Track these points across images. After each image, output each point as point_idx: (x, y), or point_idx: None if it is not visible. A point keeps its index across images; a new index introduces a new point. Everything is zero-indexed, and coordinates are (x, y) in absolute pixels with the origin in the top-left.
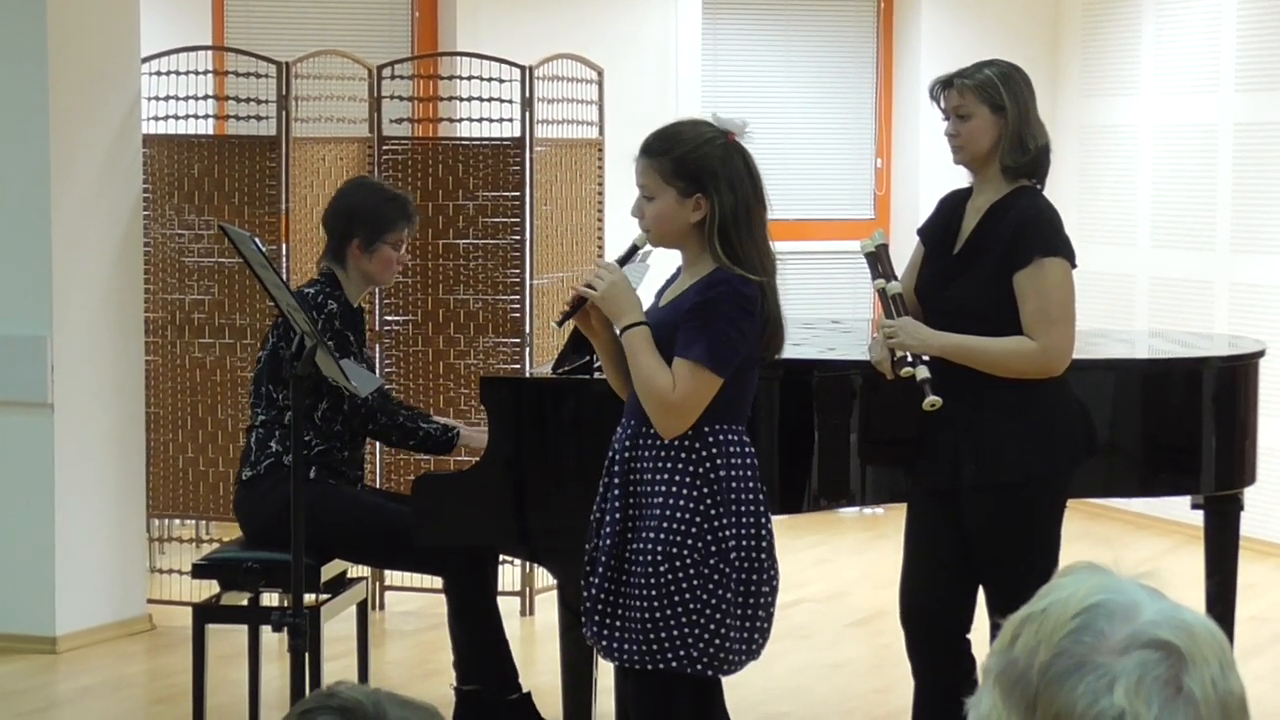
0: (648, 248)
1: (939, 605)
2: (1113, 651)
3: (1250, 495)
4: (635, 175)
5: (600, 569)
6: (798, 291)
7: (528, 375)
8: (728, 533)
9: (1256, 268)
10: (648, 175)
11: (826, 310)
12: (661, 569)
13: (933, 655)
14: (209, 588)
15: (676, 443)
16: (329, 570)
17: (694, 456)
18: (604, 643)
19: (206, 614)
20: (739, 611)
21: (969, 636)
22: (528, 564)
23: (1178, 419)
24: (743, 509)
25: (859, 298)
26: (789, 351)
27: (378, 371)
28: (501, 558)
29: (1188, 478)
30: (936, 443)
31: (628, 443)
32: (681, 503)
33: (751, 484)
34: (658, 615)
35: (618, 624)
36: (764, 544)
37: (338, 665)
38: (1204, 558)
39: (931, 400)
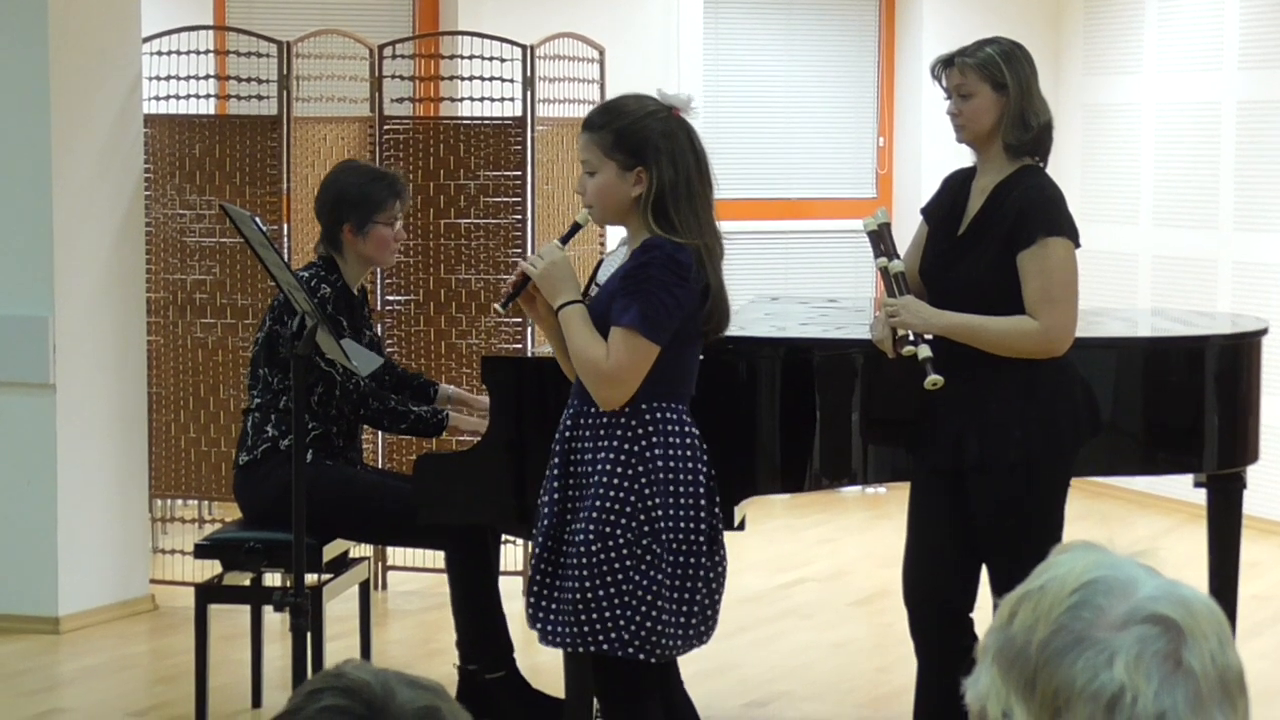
0: (590, 224)
1: (942, 585)
2: (1111, 627)
3: (1253, 473)
4: (579, 150)
5: (539, 550)
6: (799, 270)
7: (529, 354)
8: (660, 512)
9: (1259, 246)
10: (589, 149)
11: (828, 290)
12: (594, 548)
13: (936, 635)
14: (211, 568)
15: (612, 420)
16: (331, 550)
17: (629, 434)
18: (539, 625)
19: (209, 594)
20: (674, 595)
21: (972, 616)
22: (530, 543)
23: (1180, 397)
24: (680, 489)
25: (861, 277)
26: (792, 330)
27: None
28: (504, 538)
29: (1190, 456)
30: (939, 423)
31: (569, 423)
32: (616, 481)
33: (691, 464)
34: (589, 596)
35: (553, 606)
36: (703, 525)
37: (340, 645)
38: (1206, 536)
39: (933, 379)
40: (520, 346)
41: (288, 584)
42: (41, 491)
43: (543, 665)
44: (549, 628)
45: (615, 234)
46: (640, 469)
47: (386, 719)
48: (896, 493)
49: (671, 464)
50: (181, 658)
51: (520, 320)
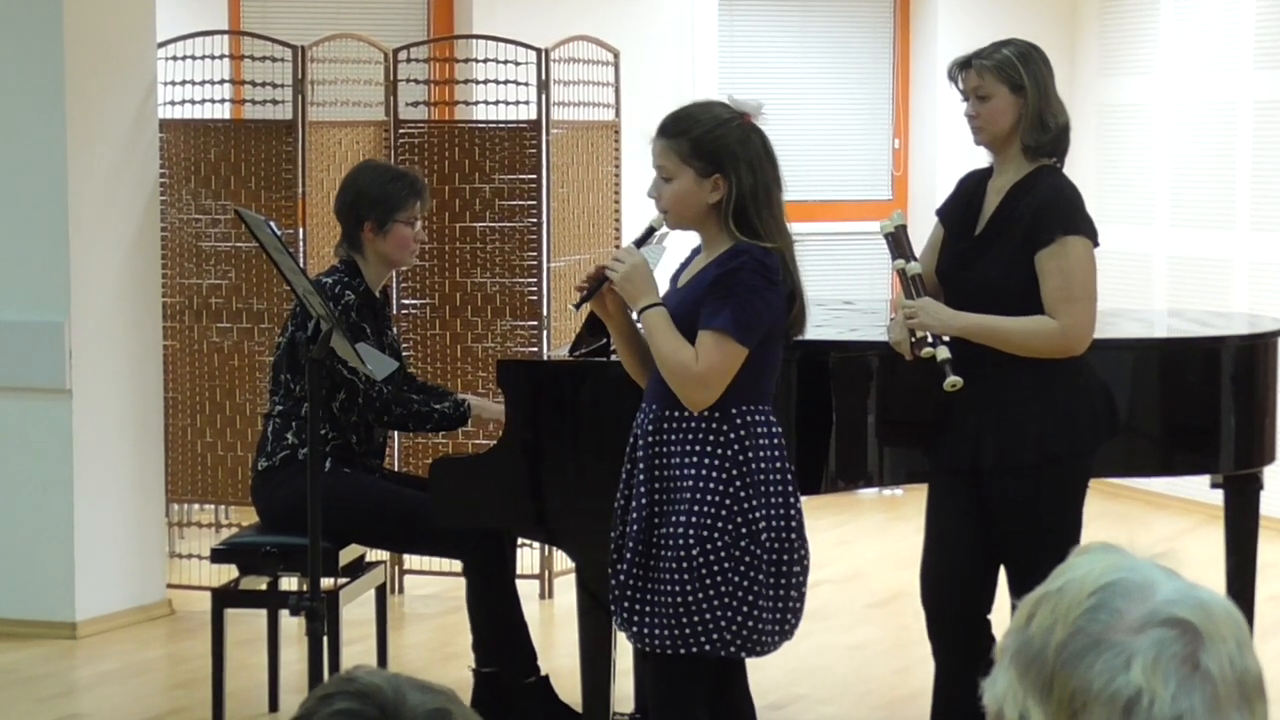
0: (664, 229)
1: (960, 587)
2: (1129, 630)
3: (1270, 474)
4: (652, 157)
5: (628, 554)
6: (815, 273)
7: (545, 358)
8: (758, 514)
9: (1275, 246)
10: (665, 156)
11: (845, 292)
12: (693, 552)
13: (953, 637)
14: (228, 572)
15: (703, 425)
16: (347, 554)
17: (721, 439)
18: (634, 629)
19: (225, 598)
20: (771, 593)
21: (990, 618)
22: (546, 547)
23: (1197, 398)
24: (772, 490)
25: (876, 278)
26: (807, 333)
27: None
28: (520, 541)
29: (1207, 457)
30: (957, 424)
31: (650, 427)
32: (711, 485)
33: (779, 464)
34: (689, 599)
35: (648, 609)
36: (794, 524)
37: (356, 649)
38: (1224, 537)
39: (952, 380)
40: (536, 350)
41: (304, 588)
42: (58, 497)
43: (559, 669)
44: (645, 630)
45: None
46: (735, 472)
47: None
48: (913, 494)
49: (763, 465)
50: (198, 662)
51: (535, 324)
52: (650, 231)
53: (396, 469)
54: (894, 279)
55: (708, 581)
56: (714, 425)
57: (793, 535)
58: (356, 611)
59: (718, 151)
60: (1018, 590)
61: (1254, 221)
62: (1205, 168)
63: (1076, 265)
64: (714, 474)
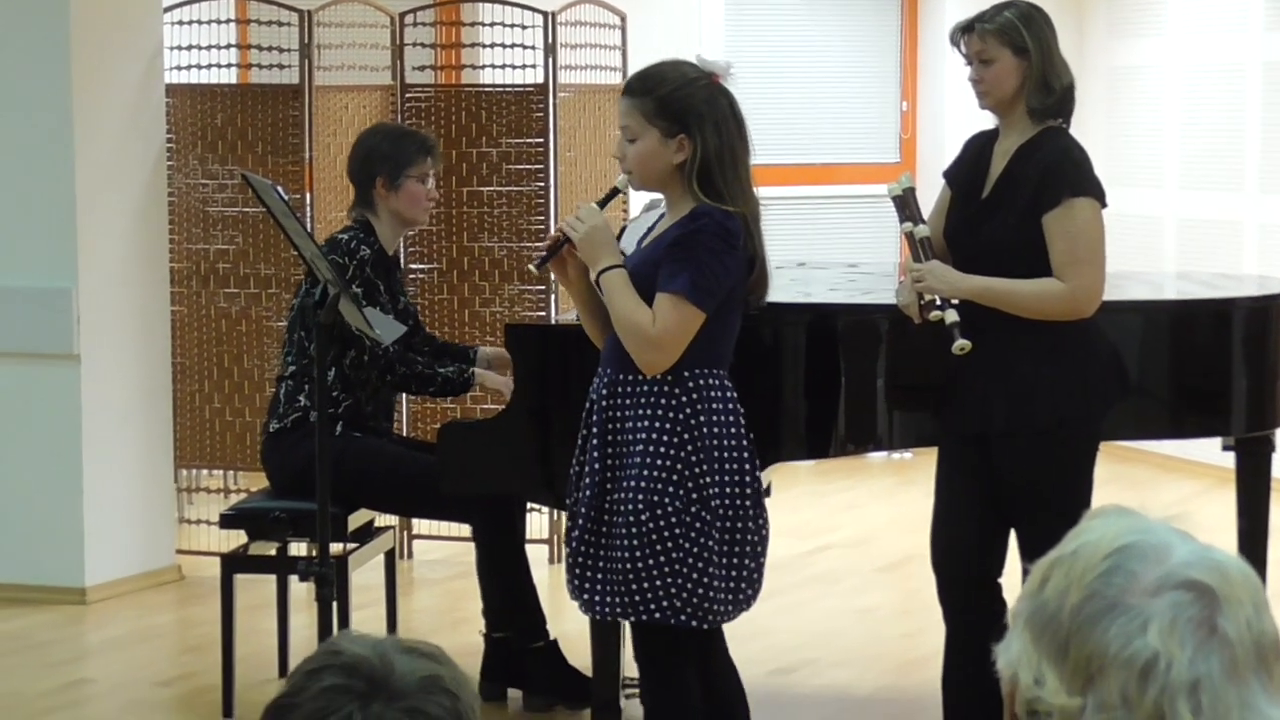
0: (630, 190)
1: (970, 550)
2: (1145, 593)
3: None
4: (619, 116)
5: (580, 520)
6: (823, 235)
7: (553, 322)
8: (709, 479)
9: None
10: (630, 116)
11: (853, 255)
12: (643, 518)
13: (964, 600)
14: (237, 538)
15: (656, 388)
16: (356, 519)
17: (674, 402)
18: (585, 596)
19: (234, 564)
20: (724, 560)
21: (1000, 582)
22: (556, 512)
23: (1207, 360)
24: (726, 455)
25: (885, 241)
26: (816, 296)
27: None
28: (530, 506)
29: (1218, 419)
30: (967, 387)
31: (604, 391)
32: (662, 449)
33: (734, 430)
34: (639, 566)
35: (599, 576)
36: (749, 491)
37: (366, 614)
38: (1235, 500)
39: (961, 344)
40: (544, 314)
41: (313, 553)
42: (67, 463)
43: (568, 633)
44: (595, 598)
45: (637, 200)
46: (686, 436)
47: (388, 692)
48: (922, 458)
49: (716, 430)
50: (207, 628)
51: (544, 287)
52: (615, 192)
53: (405, 434)
54: (903, 242)
55: (658, 548)
56: (666, 389)
57: (748, 503)
58: (366, 576)
59: (684, 111)
60: (1028, 555)
61: (1264, 184)
62: (1215, 130)
63: (1084, 227)
64: (665, 438)
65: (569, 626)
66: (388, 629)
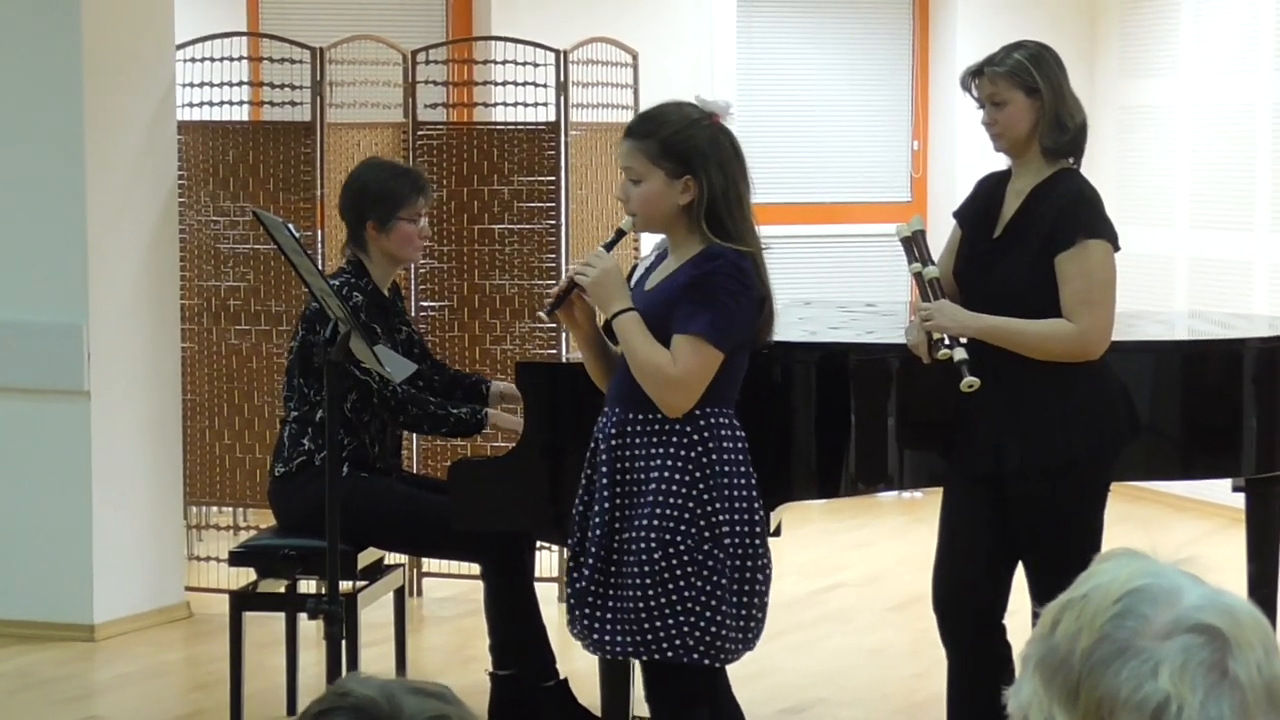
0: (633, 232)
1: (973, 590)
2: (1156, 636)
3: None
4: (620, 158)
5: (589, 560)
6: (834, 275)
7: (563, 360)
8: (722, 518)
9: None
10: (633, 157)
11: (864, 294)
12: (655, 556)
13: (967, 640)
14: (246, 575)
15: (668, 428)
16: (366, 557)
17: (685, 441)
18: (595, 635)
19: (244, 601)
20: (735, 599)
21: (1004, 623)
22: (565, 550)
23: (1218, 401)
24: (736, 494)
25: (895, 281)
26: (826, 335)
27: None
28: (539, 544)
29: (1228, 460)
30: (977, 428)
31: (613, 430)
32: (675, 489)
33: (743, 469)
34: (652, 604)
35: (609, 615)
36: (758, 530)
37: (375, 652)
38: (1245, 541)
39: (969, 381)
40: (555, 352)
41: (322, 591)
42: (77, 499)
43: (579, 672)
44: (605, 637)
45: (648, 241)
46: (699, 475)
47: None
48: (932, 498)
49: (728, 469)
50: (217, 665)
51: (555, 326)
52: (620, 234)
53: (415, 471)
54: (913, 282)
55: (670, 586)
56: (679, 428)
57: (756, 541)
58: (375, 614)
59: (688, 152)
60: (1039, 595)
61: (1275, 223)
62: (1226, 169)
63: (1097, 268)
64: (678, 477)
65: (579, 665)
66: (397, 667)
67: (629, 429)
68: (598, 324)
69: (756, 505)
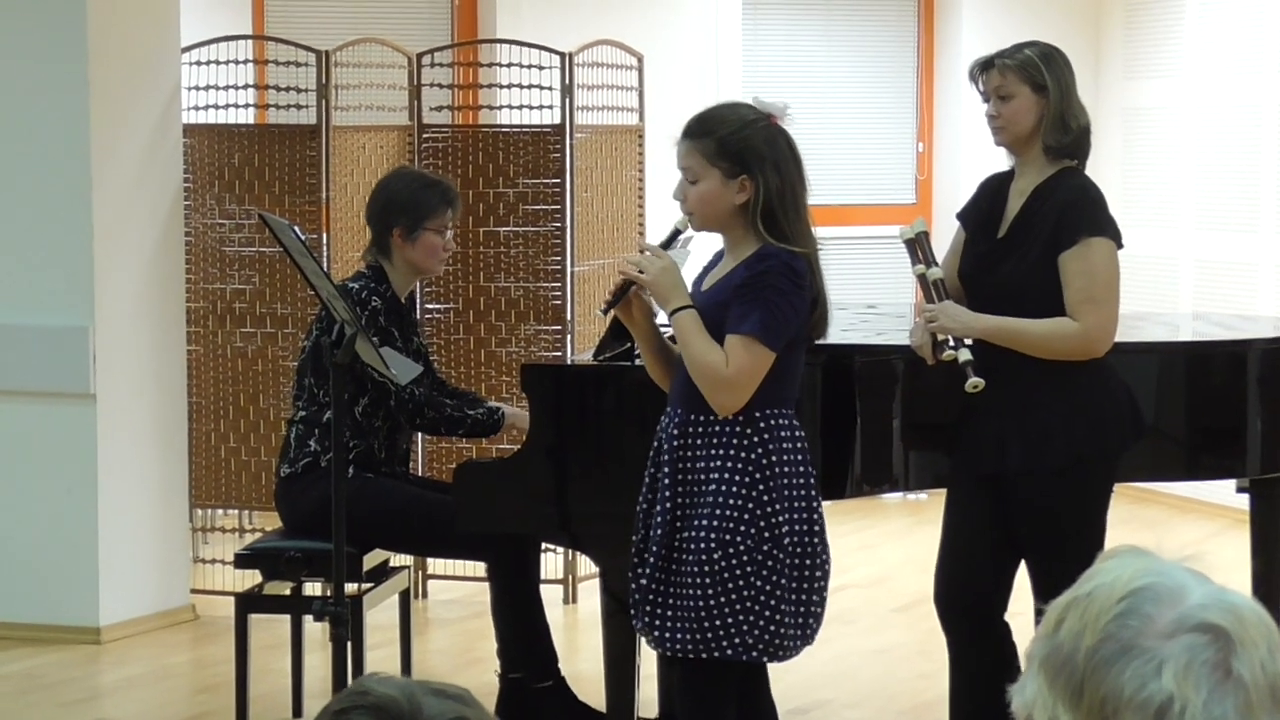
0: (689, 232)
1: (975, 588)
2: (1160, 635)
3: None
4: (677, 158)
5: (651, 559)
6: (838, 276)
7: (569, 362)
8: (781, 518)
9: None
10: (691, 157)
11: (869, 296)
12: (715, 555)
13: (969, 638)
14: (252, 577)
15: (729, 429)
16: (371, 559)
17: (745, 442)
18: (655, 633)
19: (249, 604)
20: (793, 597)
21: (1006, 620)
22: (570, 552)
23: (1222, 402)
24: (795, 494)
25: (901, 282)
26: (831, 336)
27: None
28: (544, 545)
29: (1232, 461)
30: (981, 427)
31: (675, 430)
32: (734, 489)
33: (803, 468)
34: (711, 603)
35: (669, 614)
36: (816, 528)
37: (380, 654)
38: (1249, 541)
39: (974, 381)
40: (560, 354)
41: (328, 593)
42: (82, 502)
43: (583, 673)
44: (666, 634)
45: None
46: (758, 476)
47: None
48: (937, 499)
49: (787, 469)
50: (222, 667)
51: (559, 327)
52: (675, 234)
53: (420, 474)
54: (917, 284)
55: (730, 585)
56: (739, 429)
57: (815, 539)
58: (380, 616)
59: (744, 152)
60: (1043, 594)
61: (1279, 225)
62: (1230, 171)
63: (1100, 267)
64: (738, 478)
65: (584, 666)
66: (402, 669)
67: (690, 429)
68: (655, 324)
69: (815, 504)
